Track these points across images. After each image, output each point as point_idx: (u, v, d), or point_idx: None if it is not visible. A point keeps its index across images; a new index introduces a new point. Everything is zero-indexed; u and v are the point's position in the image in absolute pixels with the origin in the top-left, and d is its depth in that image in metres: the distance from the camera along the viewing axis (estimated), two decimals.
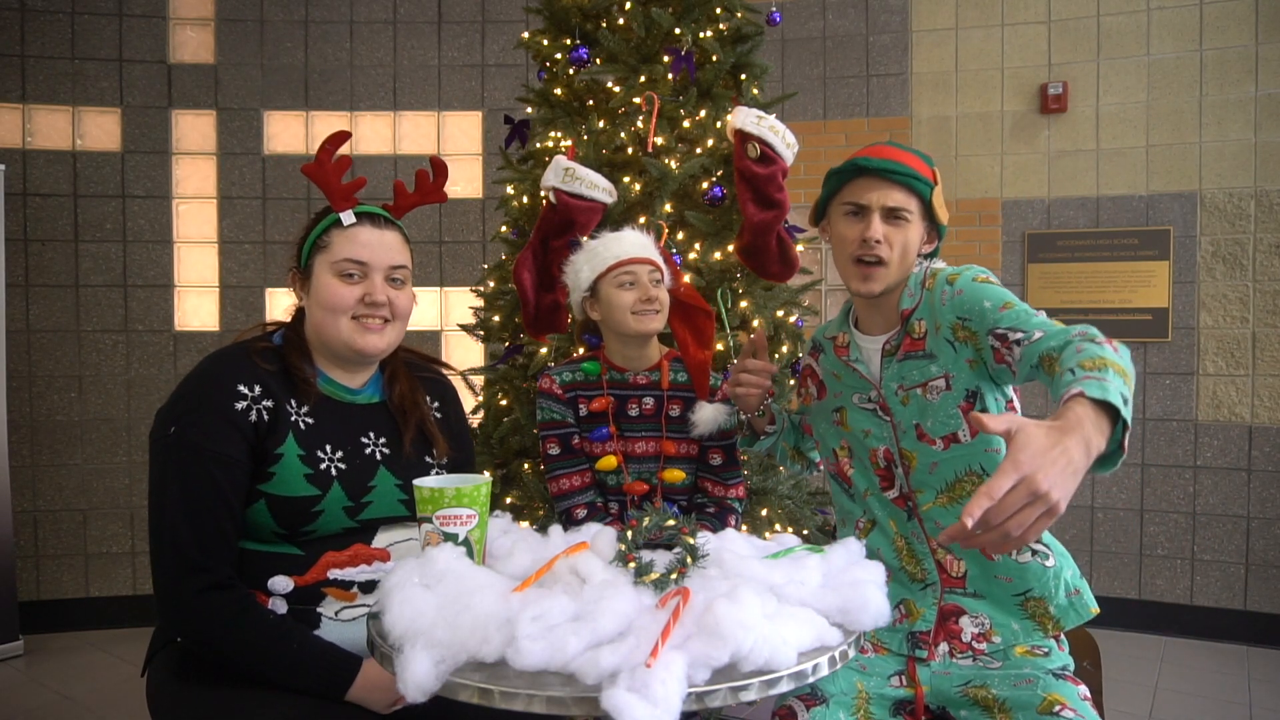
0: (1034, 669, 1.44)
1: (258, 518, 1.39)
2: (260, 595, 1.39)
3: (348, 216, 1.48)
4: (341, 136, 1.50)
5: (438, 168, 1.60)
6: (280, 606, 1.38)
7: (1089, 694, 1.41)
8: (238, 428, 1.37)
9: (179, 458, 1.35)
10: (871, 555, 1.54)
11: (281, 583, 1.39)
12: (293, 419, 1.42)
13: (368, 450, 1.49)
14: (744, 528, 2.04)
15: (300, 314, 1.54)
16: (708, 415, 1.89)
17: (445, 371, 1.72)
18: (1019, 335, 1.34)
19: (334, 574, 1.41)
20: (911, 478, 1.53)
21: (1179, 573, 3.67)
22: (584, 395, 1.96)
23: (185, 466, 1.34)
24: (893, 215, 1.51)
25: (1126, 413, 1.07)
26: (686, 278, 2.21)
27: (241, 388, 1.39)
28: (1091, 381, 1.09)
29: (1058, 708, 1.33)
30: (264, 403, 1.40)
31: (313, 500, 1.40)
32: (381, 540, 1.46)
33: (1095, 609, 1.49)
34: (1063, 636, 1.56)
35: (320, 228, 1.49)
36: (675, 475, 1.96)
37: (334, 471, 1.43)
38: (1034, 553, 1.50)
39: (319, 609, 1.40)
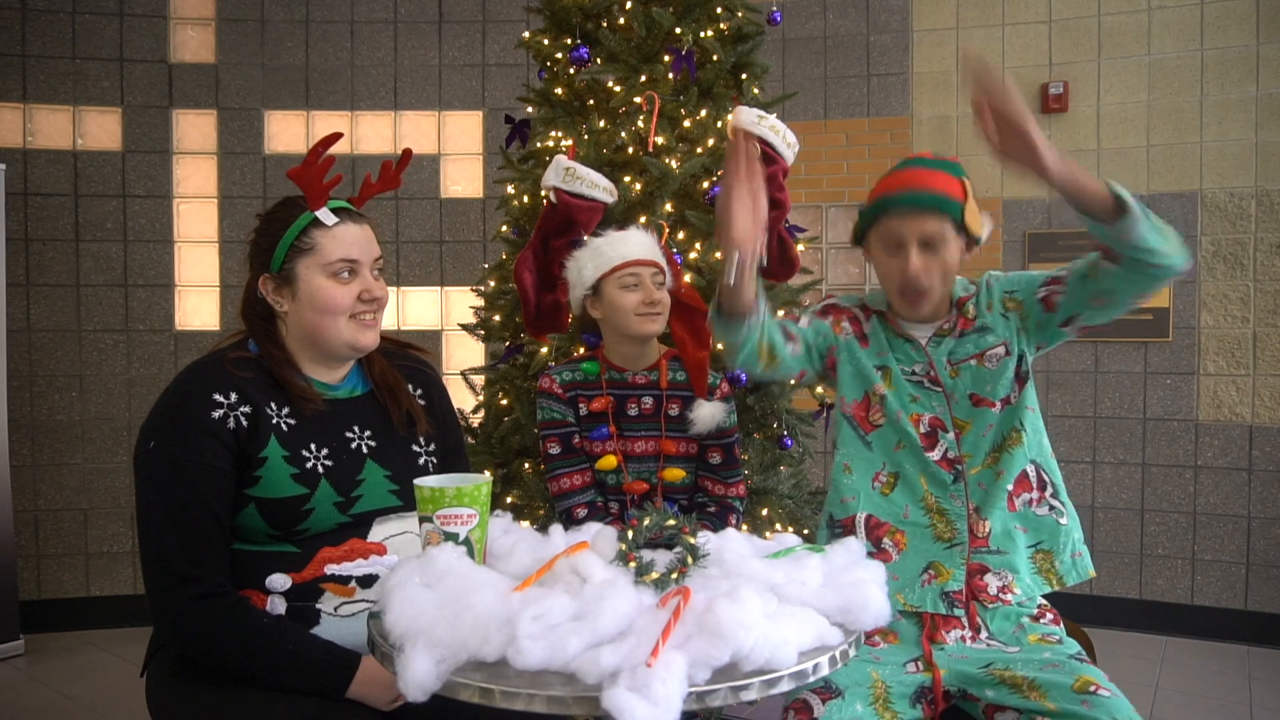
0: (1054, 654, 1.48)
1: (249, 521, 1.39)
2: (259, 594, 1.39)
3: (328, 216, 1.46)
4: (332, 139, 1.47)
5: (403, 157, 1.59)
6: (279, 604, 1.39)
7: None
8: (216, 436, 1.37)
9: (160, 471, 1.36)
10: (896, 511, 1.62)
11: (279, 580, 1.39)
12: (274, 421, 1.42)
13: (353, 445, 1.49)
14: (744, 527, 2.04)
15: (268, 319, 1.51)
16: (706, 414, 1.89)
17: (420, 355, 1.71)
18: (1064, 270, 1.55)
19: (331, 569, 1.41)
20: (963, 442, 1.61)
21: (1179, 572, 3.67)
22: (584, 395, 1.96)
23: (166, 480, 1.35)
24: (928, 245, 1.56)
25: (1124, 194, 1.33)
26: (686, 277, 2.21)
27: (217, 396, 1.39)
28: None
29: (1093, 687, 1.38)
30: (242, 409, 1.40)
31: (302, 499, 1.40)
32: (378, 534, 1.47)
33: (1093, 572, 1.62)
34: (1062, 626, 1.60)
35: (297, 229, 1.45)
36: (675, 474, 1.96)
37: (320, 469, 1.43)
38: (1051, 508, 1.61)
39: (318, 605, 1.40)
